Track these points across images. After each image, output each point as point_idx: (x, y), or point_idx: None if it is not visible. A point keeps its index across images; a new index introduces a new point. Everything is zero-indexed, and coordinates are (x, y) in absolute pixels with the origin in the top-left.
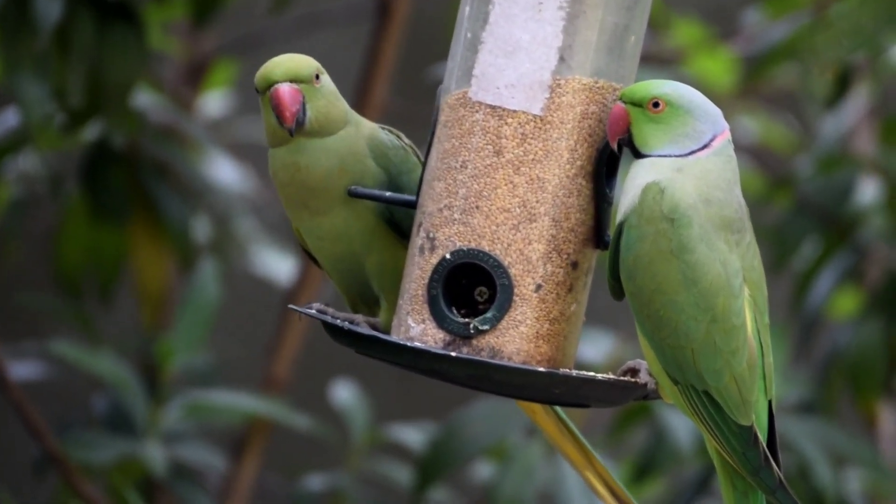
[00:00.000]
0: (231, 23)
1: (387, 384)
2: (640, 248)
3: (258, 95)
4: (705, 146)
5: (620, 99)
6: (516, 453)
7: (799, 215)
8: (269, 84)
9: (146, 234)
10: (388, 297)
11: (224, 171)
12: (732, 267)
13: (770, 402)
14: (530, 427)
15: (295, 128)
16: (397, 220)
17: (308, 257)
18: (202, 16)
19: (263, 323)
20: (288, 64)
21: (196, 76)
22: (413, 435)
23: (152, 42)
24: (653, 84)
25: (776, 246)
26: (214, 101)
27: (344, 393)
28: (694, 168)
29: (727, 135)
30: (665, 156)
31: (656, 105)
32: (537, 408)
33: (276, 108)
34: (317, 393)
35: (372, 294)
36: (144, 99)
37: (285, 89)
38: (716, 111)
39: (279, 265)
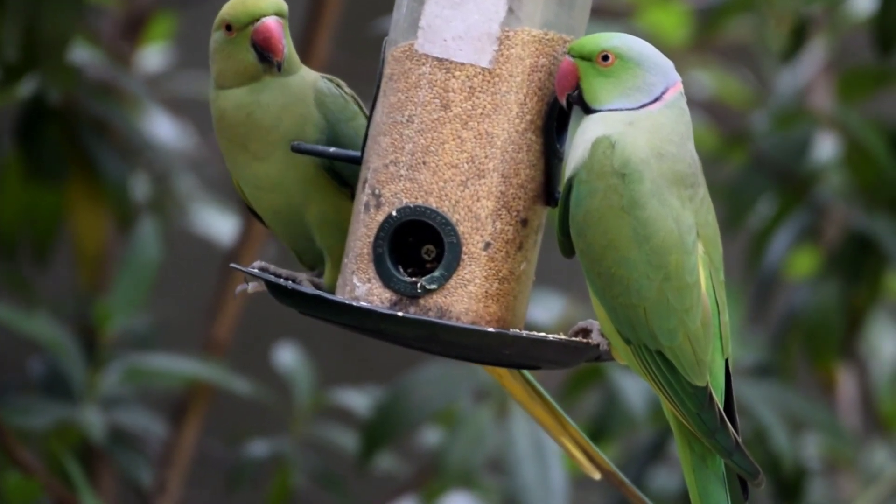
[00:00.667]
0: None
1: (331, 347)
2: (590, 204)
3: (225, 33)
4: (657, 99)
5: (569, 53)
6: (465, 418)
7: (755, 172)
8: (255, 17)
9: (83, 192)
10: (332, 254)
11: (163, 128)
12: (685, 223)
13: (727, 363)
14: (480, 391)
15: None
16: (337, 168)
17: (252, 214)
18: None
19: (204, 284)
20: None
21: (134, 30)
22: (359, 399)
23: None
24: (602, 37)
25: (731, 204)
26: (153, 56)
27: (287, 356)
28: (645, 122)
29: (679, 87)
30: (616, 110)
31: (606, 58)
32: (503, 371)
33: (267, 41)
34: (259, 356)
35: (316, 250)
36: (81, 53)
37: (275, 22)
38: (667, 63)
39: (220, 224)
